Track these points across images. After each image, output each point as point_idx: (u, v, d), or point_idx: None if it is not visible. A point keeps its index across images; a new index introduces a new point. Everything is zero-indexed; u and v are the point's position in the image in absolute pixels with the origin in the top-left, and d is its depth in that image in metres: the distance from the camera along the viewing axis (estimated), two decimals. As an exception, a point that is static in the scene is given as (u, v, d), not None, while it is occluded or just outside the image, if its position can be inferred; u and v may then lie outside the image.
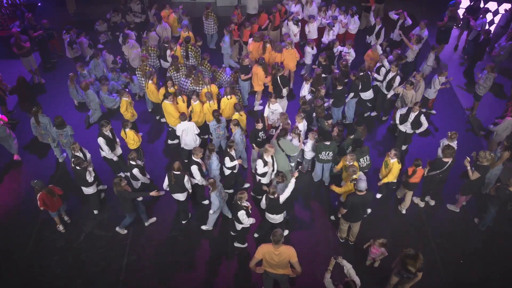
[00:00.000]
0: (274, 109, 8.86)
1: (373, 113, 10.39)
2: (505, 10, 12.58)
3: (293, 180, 6.90)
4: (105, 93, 10.13)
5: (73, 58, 11.71)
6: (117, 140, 8.43)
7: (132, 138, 8.30)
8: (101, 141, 8.03)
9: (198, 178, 7.57)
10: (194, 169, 7.44)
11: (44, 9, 15.14)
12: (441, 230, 7.84)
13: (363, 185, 6.70)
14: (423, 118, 8.44)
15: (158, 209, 8.29)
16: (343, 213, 7.01)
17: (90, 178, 7.58)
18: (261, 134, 8.16)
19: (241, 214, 6.69)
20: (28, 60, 11.23)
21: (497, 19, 13.37)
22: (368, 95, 9.78)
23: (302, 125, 8.40)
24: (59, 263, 7.35)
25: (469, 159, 7.38)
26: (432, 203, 8.24)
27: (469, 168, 7.37)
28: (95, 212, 8.18)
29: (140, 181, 7.89)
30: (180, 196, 7.54)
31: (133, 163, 7.62)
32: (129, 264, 7.33)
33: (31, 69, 11.46)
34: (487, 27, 12.12)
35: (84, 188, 7.79)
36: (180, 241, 7.70)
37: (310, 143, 8.17)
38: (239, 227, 7.07)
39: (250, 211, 6.83)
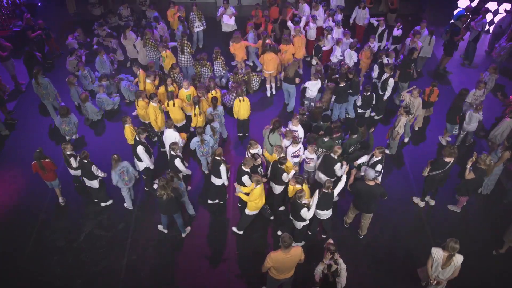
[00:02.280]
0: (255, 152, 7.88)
1: (374, 113, 10.41)
2: (505, 11, 12.58)
3: (344, 177, 7.06)
4: (103, 93, 10.11)
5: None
6: (150, 149, 8.25)
7: (131, 134, 8.31)
8: (140, 150, 7.74)
9: (249, 185, 7.45)
10: (245, 178, 7.33)
11: (44, 9, 15.12)
12: (441, 230, 7.84)
13: (371, 173, 6.69)
14: (379, 167, 7.48)
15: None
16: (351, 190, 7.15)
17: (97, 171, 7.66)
18: (260, 169, 7.65)
19: (304, 211, 6.76)
20: (7, 64, 11.00)
21: (497, 19, 13.38)
22: (366, 112, 9.98)
23: (300, 129, 8.25)
24: (59, 263, 7.34)
25: (474, 159, 7.38)
26: (432, 203, 8.24)
27: (468, 167, 7.38)
28: (102, 204, 8.26)
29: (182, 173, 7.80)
30: (216, 181, 7.76)
31: (174, 153, 7.53)
32: (129, 264, 7.32)
33: (14, 74, 11.27)
34: (487, 27, 12.14)
35: (87, 180, 7.82)
36: (180, 241, 7.69)
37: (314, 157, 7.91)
38: (300, 225, 7.10)
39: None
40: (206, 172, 8.91)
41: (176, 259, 7.41)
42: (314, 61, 10.69)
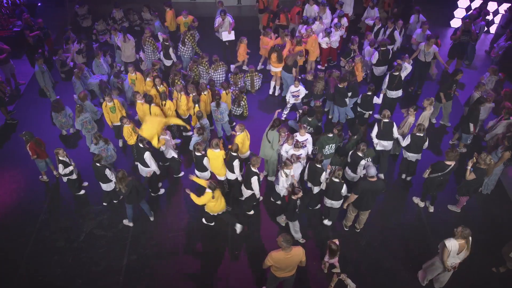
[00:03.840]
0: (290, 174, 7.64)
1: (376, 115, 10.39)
2: (505, 11, 12.60)
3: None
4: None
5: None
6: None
7: (129, 135, 8.30)
8: (148, 156, 7.69)
9: (256, 190, 7.45)
10: (254, 180, 7.29)
11: (44, 9, 15.12)
12: (441, 230, 7.84)
13: (372, 170, 6.77)
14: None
15: (159, 209, 8.29)
16: (352, 200, 7.07)
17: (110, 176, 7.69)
18: (299, 203, 7.14)
19: (344, 188, 7.08)
20: (6, 68, 11.04)
21: (497, 19, 13.39)
22: (365, 113, 9.90)
23: (309, 138, 8.09)
24: (59, 263, 7.34)
25: (474, 159, 7.38)
26: (431, 209, 8.16)
27: (469, 167, 7.38)
28: (115, 201, 8.34)
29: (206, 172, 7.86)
30: (230, 175, 7.84)
31: (198, 154, 7.51)
32: (129, 264, 7.32)
33: (13, 74, 11.38)
34: (486, 28, 12.12)
35: (102, 184, 7.82)
36: (180, 241, 7.69)
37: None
38: (339, 204, 7.38)
39: None
40: None
41: (176, 259, 7.41)
42: (342, 63, 10.59)
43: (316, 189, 7.69)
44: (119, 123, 8.99)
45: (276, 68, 10.66)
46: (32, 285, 7.07)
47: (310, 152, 8.16)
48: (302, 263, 5.98)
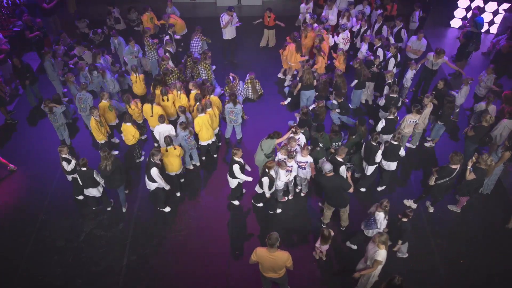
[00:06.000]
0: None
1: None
2: (504, 11, 12.60)
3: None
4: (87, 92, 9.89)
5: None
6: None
7: (132, 134, 8.31)
8: (154, 172, 7.37)
9: (241, 177, 7.57)
10: (235, 167, 7.37)
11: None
12: (441, 230, 7.85)
13: (327, 166, 6.81)
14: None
15: (159, 209, 8.29)
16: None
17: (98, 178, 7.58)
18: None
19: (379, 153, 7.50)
20: (4, 68, 11.10)
21: (496, 19, 13.39)
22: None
23: (309, 159, 7.68)
24: (59, 263, 7.35)
25: (474, 159, 7.37)
26: (431, 209, 8.17)
27: (469, 167, 7.38)
28: (108, 208, 8.23)
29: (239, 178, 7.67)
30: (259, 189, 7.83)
31: (235, 158, 7.42)
32: (129, 264, 7.33)
33: (12, 74, 11.33)
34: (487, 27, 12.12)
35: (91, 190, 7.71)
36: (180, 242, 7.70)
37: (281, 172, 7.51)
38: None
39: None
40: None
41: (176, 259, 7.42)
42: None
43: (370, 169, 7.89)
44: (103, 141, 8.84)
45: (292, 63, 10.67)
46: (32, 285, 7.08)
47: (309, 176, 7.94)
48: (289, 268, 5.94)
